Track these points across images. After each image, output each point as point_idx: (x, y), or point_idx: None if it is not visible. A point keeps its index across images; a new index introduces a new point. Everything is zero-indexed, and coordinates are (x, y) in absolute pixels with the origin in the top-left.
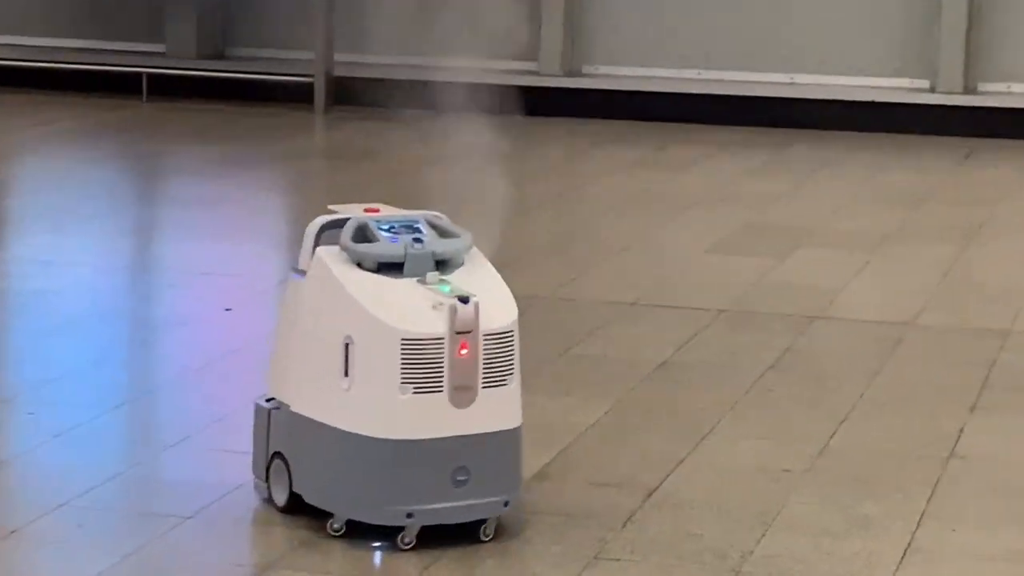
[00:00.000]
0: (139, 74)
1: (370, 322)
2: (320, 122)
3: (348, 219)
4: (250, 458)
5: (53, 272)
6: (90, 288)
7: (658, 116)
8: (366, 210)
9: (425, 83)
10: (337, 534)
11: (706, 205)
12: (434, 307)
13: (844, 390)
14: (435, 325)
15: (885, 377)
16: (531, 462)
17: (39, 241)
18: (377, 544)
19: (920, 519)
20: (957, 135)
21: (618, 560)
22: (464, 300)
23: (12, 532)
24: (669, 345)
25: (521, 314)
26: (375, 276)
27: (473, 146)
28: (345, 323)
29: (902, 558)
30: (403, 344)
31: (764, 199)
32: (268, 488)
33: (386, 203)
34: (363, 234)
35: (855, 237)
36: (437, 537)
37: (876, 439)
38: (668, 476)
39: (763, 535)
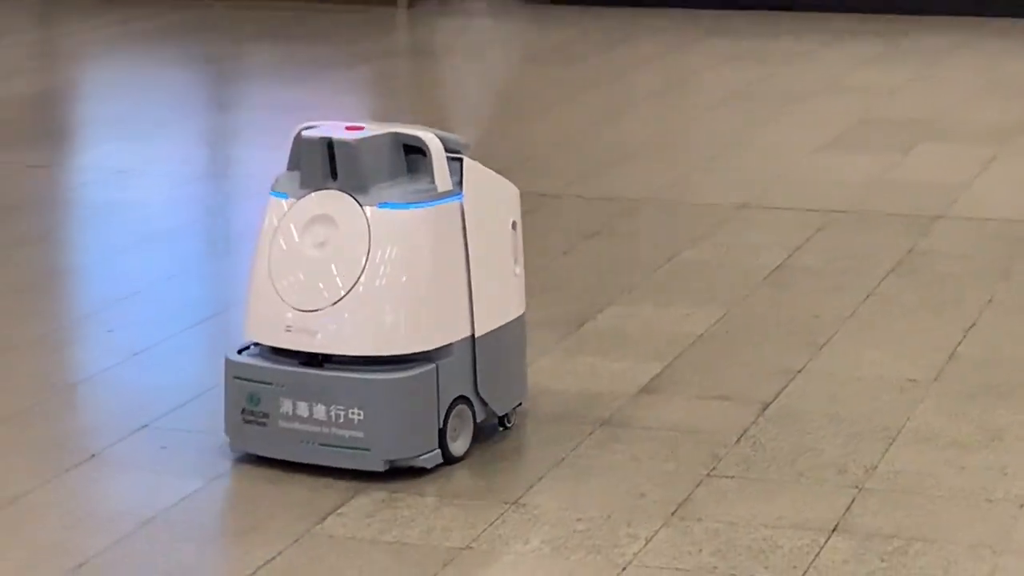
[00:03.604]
0: None
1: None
2: (402, 19)
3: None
4: None
5: (126, 182)
6: (165, 199)
7: (762, 4)
8: (348, 128)
9: None
10: (510, 426)
11: (818, 99)
12: None
13: (971, 294)
14: None
15: (1015, 279)
16: (638, 375)
17: (111, 149)
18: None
19: None
20: None
21: (732, 477)
22: None
23: (92, 456)
24: (782, 249)
25: (624, 218)
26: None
27: (565, 41)
28: (511, 208)
29: None
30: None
31: (880, 91)
32: (445, 446)
33: (481, 101)
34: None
35: (980, 130)
36: (538, 452)
37: (1006, 345)
38: (784, 388)
39: (887, 449)
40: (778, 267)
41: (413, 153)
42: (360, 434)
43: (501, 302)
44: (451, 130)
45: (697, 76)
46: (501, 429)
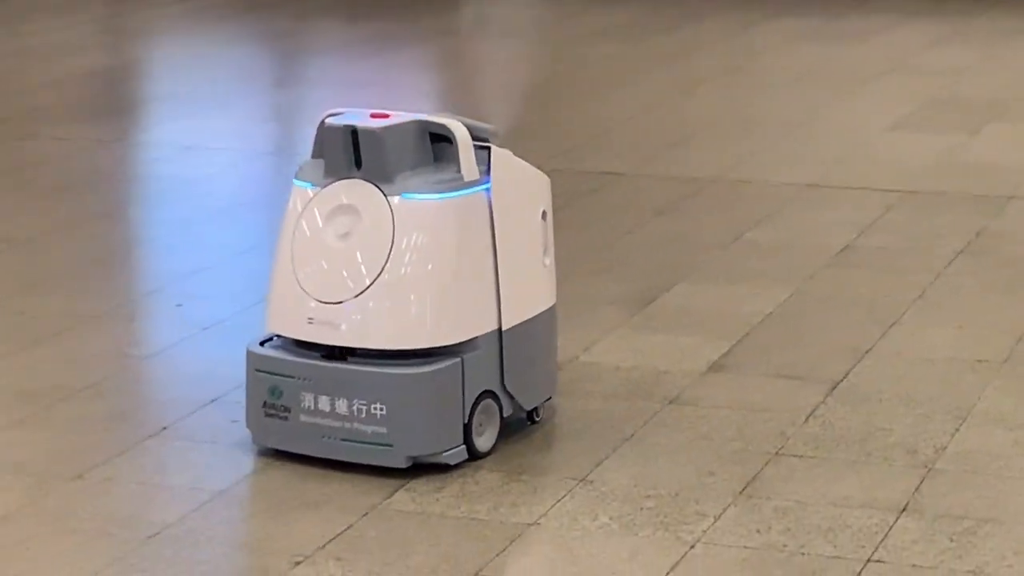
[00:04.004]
0: None
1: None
2: None
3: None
4: None
5: (195, 158)
6: (234, 174)
7: None
8: (373, 115)
9: None
10: (539, 420)
11: (887, 79)
12: None
13: None
14: None
15: None
16: (706, 353)
17: (180, 125)
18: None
19: None
20: None
21: (800, 457)
22: None
23: (163, 428)
24: (851, 229)
25: (691, 197)
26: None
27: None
28: (541, 197)
29: None
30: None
31: (950, 72)
32: (470, 441)
33: (546, 79)
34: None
35: None
36: (606, 429)
37: None
38: (853, 368)
39: (957, 430)
40: (847, 247)
41: (441, 141)
42: (383, 429)
43: (529, 294)
44: (516, 109)
45: (765, 55)
46: (529, 424)
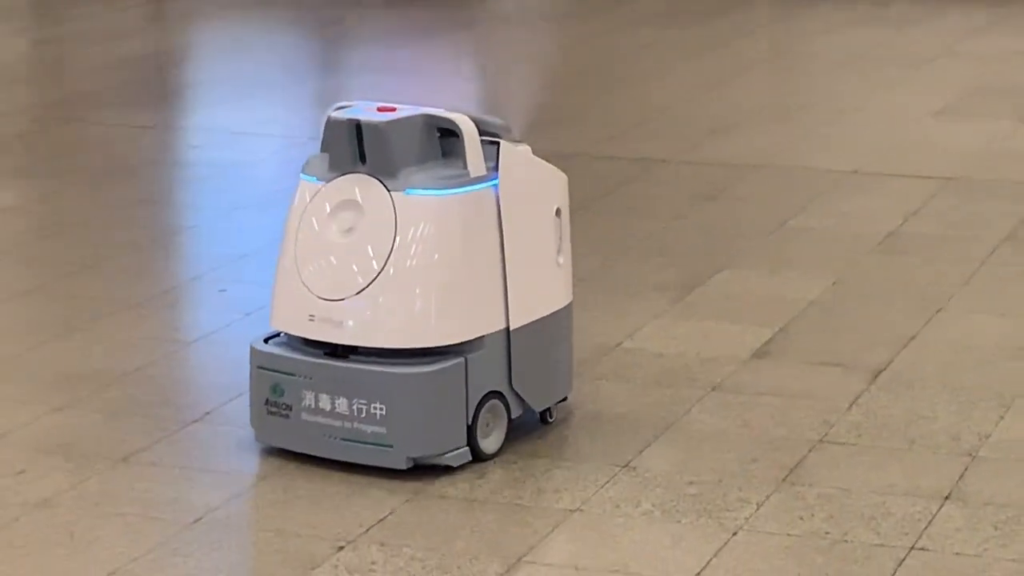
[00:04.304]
0: None
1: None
2: None
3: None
4: None
5: (240, 144)
6: (278, 160)
7: None
8: (380, 109)
9: None
10: (552, 421)
11: (930, 66)
12: None
13: None
14: None
15: None
16: (749, 340)
17: (225, 111)
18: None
19: None
20: None
21: (843, 444)
22: None
23: (206, 413)
24: (895, 215)
25: (735, 183)
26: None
27: (678, 4)
28: (554, 194)
29: None
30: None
31: (996, 58)
32: (474, 442)
33: (591, 65)
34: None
35: None
36: (649, 415)
37: None
38: (897, 355)
39: (1002, 417)
40: (891, 233)
41: (452, 136)
42: (383, 430)
43: (541, 293)
44: (559, 96)
45: (810, 41)
46: (543, 425)
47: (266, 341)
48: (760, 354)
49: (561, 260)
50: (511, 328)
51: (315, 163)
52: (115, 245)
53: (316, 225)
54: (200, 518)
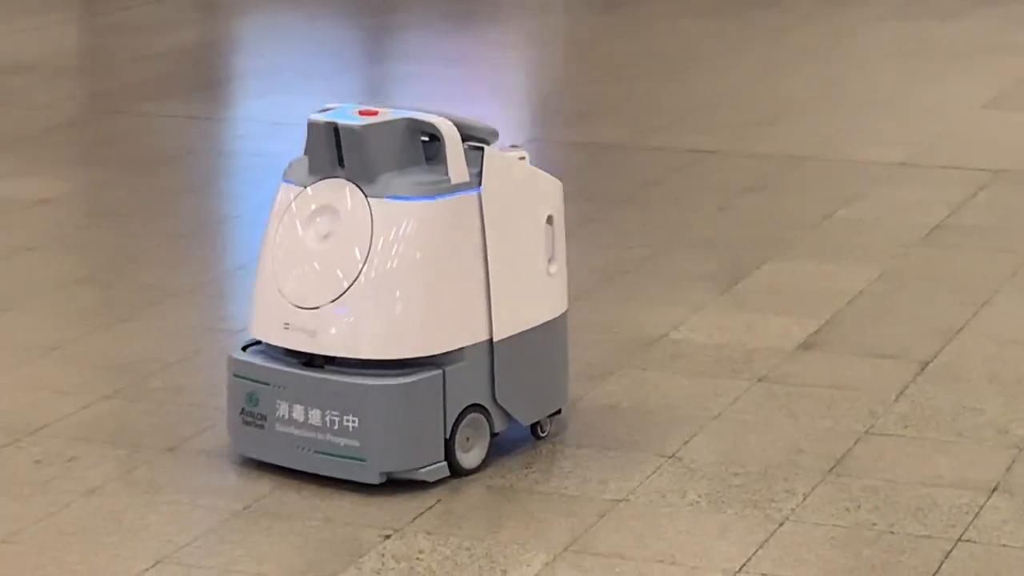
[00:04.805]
0: None
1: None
2: None
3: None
4: None
5: (283, 134)
6: None
7: None
8: (361, 112)
9: None
10: (544, 436)
11: (980, 56)
12: None
13: None
14: None
15: None
16: (796, 331)
17: (268, 101)
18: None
19: None
20: None
21: (890, 435)
22: None
23: None
24: (943, 207)
25: (781, 175)
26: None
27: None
28: (546, 202)
29: None
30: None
31: None
32: (453, 457)
33: (639, 55)
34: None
35: None
36: (694, 406)
37: None
38: (944, 347)
39: None
40: (938, 226)
41: (437, 141)
42: (355, 443)
43: (528, 304)
44: (607, 86)
45: (858, 33)
46: (535, 439)
47: (245, 349)
48: (806, 345)
49: (553, 269)
50: (494, 340)
51: (296, 167)
52: (160, 234)
53: (293, 231)
54: (248, 506)
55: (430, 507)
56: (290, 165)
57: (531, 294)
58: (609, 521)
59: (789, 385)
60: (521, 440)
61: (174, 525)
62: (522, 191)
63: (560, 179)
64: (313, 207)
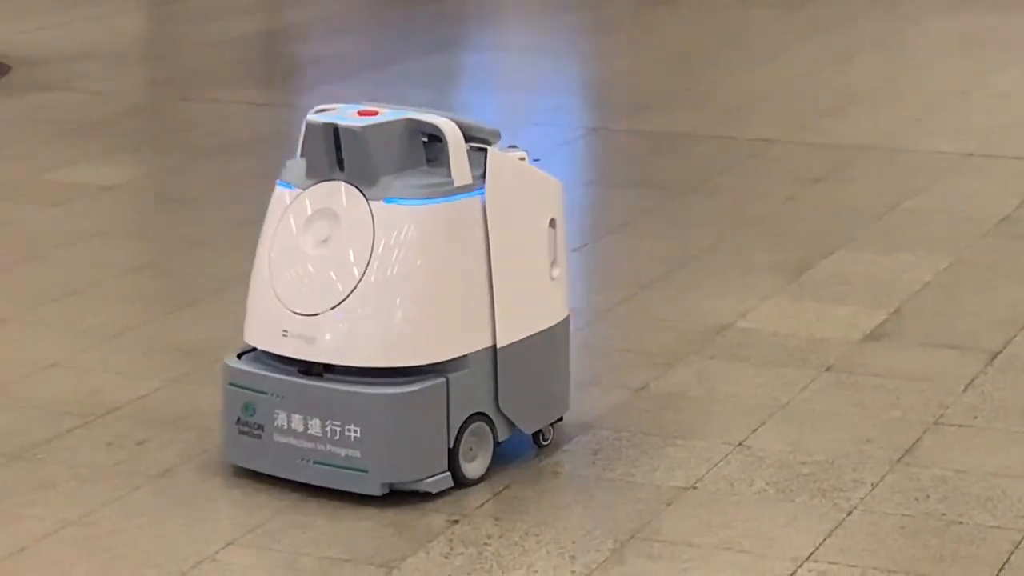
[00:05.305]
0: None
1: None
2: None
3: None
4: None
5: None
6: None
7: None
8: (361, 112)
9: None
10: (546, 444)
11: None
12: None
13: None
14: None
15: None
16: (863, 321)
17: (336, 88)
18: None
19: None
20: None
21: (959, 426)
22: None
23: None
24: (1010, 198)
25: (847, 165)
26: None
27: None
28: (548, 204)
29: None
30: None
31: None
32: (456, 467)
33: (704, 45)
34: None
35: None
36: (762, 395)
37: None
38: (1013, 338)
39: None
40: (1006, 217)
41: (438, 142)
42: (356, 453)
43: (532, 309)
44: (673, 76)
45: (922, 22)
46: (537, 448)
47: (240, 356)
48: (874, 336)
49: (556, 273)
50: (498, 346)
51: (293, 169)
52: (226, 221)
53: (291, 235)
54: (318, 487)
55: (498, 493)
56: (286, 167)
57: (534, 299)
58: (676, 509)
59: (857, 375)
60: (586, 427)
61: (244, 508)
62: (525, 193)
63: (626, 167)
64: (311, 210)
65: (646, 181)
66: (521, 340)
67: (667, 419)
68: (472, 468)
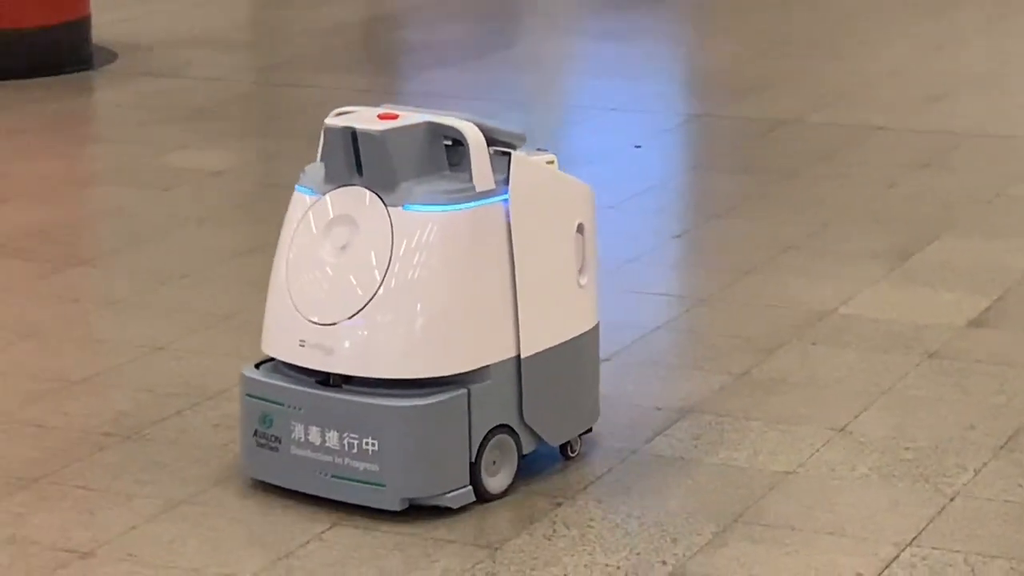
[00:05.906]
0: None
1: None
2: None
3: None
4: (658, 302)
5: (451, 107)
6: None
7: None
8: (381, 116)
9: None
10: (574, 456)
11: None
12: None
13: None
14: None
15: None
16: (966, 308)
17: (434, 76)
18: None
19: None
20: None
21: None
22: None
23: None
24: None
25: (951, 151)
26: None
27: None
28: (576, 209)
29: None
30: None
31: None
32: (479, 481)
33: (805, 32)
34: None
35: None
36: (865, 380)
37: None
38: None
39: None
40: None
41: (461, 146)
42: (375, 467)
43: (558, 318)
44: (777, 62)
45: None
46: (564, 460)
47: (258, 366)
48: (977, 322)
49: (584, 280)
50: (522, 356)
51: (312, 173)
52: None
53: (309, 242)
54: None
55: (600, 476)
56: (305, 171)
57: (561, 307)
58: (778, 493)
59: (960, 361)
60: (688, 412)
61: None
62: (551, 198)
63: (729, 153)
64: (330, 216)
65: (749, 167)
66: (546, 350)
67: (769, 404)
68: (495, 482)
